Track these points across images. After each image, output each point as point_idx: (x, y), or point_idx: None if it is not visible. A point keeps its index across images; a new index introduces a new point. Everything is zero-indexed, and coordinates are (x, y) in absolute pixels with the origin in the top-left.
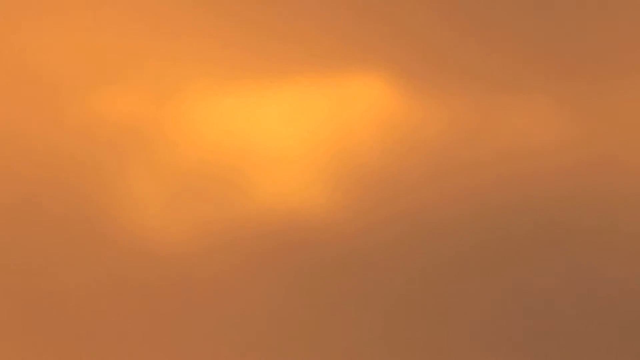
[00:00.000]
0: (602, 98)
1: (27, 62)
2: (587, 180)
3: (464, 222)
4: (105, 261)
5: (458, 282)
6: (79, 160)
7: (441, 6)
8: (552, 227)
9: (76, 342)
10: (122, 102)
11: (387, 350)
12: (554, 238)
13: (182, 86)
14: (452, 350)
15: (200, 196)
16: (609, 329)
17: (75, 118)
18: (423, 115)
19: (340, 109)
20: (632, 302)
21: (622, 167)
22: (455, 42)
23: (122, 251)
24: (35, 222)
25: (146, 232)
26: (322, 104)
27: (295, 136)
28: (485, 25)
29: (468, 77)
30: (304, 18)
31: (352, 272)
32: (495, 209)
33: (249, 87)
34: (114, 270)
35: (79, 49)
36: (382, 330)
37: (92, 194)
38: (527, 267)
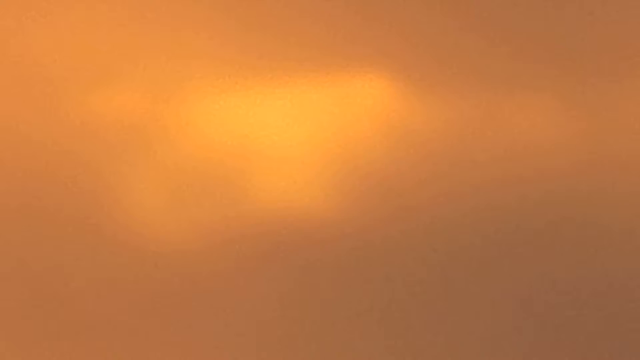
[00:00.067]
0: (604, 97)
1: (27, 60)
2: (590, 179)
3: (466, 221)
4: (105, 259)
5: (460, 282)
6: (79, 159)
7: (443, 5)
8: (556, 226)
9: (76, 340)
10: (123, 101)
11: (387, 350)
12: (556, 237)
13: (183, 84)
14: (453, 350)
15: (201, 195)
16: (608, 329)
17: (75, 116)
18: (425, 114)
19: (342, 108)
20: (632, 302)
21: (626, 167)
22: (458, 41)
23: (122, 249)
24: (35, 221)
25: (146, 230)
26: (324, 102)
27: (296, 135)
28: (488, 25)
29: (471, 77)
30: (306, 16)
31: (354, 271)
32: (498, 208)
33: (251, 85)
34: (113, 269)
35: (80, 47)
36: (382, 330)
37: (92, 193)
38: (530, 267)
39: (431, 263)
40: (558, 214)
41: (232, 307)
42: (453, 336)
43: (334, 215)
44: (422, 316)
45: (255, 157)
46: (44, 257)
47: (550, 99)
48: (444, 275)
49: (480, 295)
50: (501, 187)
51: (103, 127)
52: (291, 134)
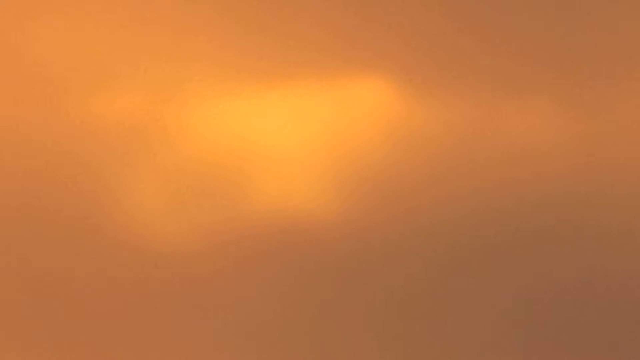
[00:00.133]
0: (602, 100)
1: (28, 61)
2: (588, 181)
3: (466, 224)
4: (105, 260)
5: (459, 283)
6: (79, 159)
7: (443, 8)
8: (554, 227)
9: (76, 340)
10: (123, 102)
11: (387, 350)
12: (555, 238)
13: (184, 87)
14: (453, 350)
15: (201, 196)
16: (607, 329)
17: (76, 117)
18: (426, 117)
19: (343, 111)
20: (631, 303)
21: (624, 169)
22: (457, 44)
23: (122, 250)
24: (35, 221)
25: (146, 231)
26: (325, 105)
27: (297, 137)
28: (488, 28)
29: (470, 80)
30: (307, 19)
31: (354, 273)
32: (497, 210)
33: (251, 88)
34: (113, 269)
35: (80, 48)
36: (382, 331)
37: (93, 193)
38: (529, 268)
39: (430, 265)
40: (556, 215)
41: (232, 308)
42: (452, 337)
43: (334, 217)
44: (422, 317)
45: (255, 159)
46: (44, 257)
47: (549, 101)
48: (444, 277)
49: (480, 296)
50: (500, 189)
51: (103, 128)
52: (291, 136)
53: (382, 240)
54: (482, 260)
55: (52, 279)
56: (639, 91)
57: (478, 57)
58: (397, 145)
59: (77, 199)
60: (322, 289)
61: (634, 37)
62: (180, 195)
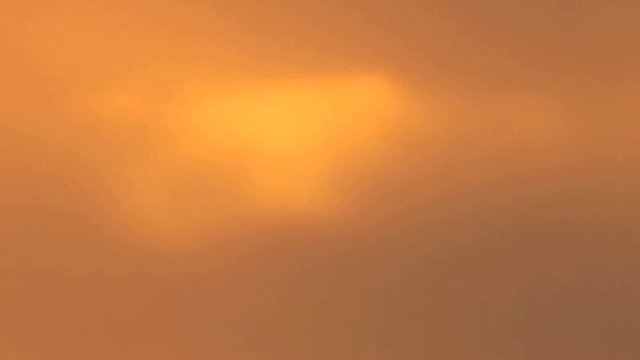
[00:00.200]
0: (604, 97)
1: (28, 60)
2: (588, 179)
3: (466, 221)
4: (105, 259)
5: (459, 281)
6: (79, 159)
7: (442, 6)
8: (554, 225)
9: (76, 340)
10: (123, 101)
11: (386, 348)
12: (555, 236)
13: (183, 85)
14: (452, 350)
15: (201, 195)
16: (606, 327)
17: (76, 116)
18: (425, 115)
19: (342, 109)
20: (630, 300)
21: (624, 167)
22: (457, 42)
23: (122, 249)
24: (35, 221)
25: (146, 230)
26: (324, 103)
27: (296, 135)
28: (488, 25)
29: (470, 78)
30: (306, 18)
31: (353, 270)
32: (496, 207)
33: (251, 86)
34: (113, 268)
35: (80, 48)
36: (381, 328)
37: (93, 193)
38: (528, 266)
39: (430, 262)
40: (556, 213)
41: (232, 306)
42: (452, 334)
43: (333, 215)
44: (421, 314)
45: (255, 157)
46: (44, 257)
47: (549, 99)
48: (443, 274)
49: (479, 294)
50: (500, 187)
51: (103, 127)
52: (291, 134)
53: (381, 237)
54: (482, 257)
55: (52, 279)
56: (639, 90)
57: (477, 55)
58: (396, 143)
59: (77, 198)
60: (322, 286)
61: (634, 37)
62: (180, 193)
